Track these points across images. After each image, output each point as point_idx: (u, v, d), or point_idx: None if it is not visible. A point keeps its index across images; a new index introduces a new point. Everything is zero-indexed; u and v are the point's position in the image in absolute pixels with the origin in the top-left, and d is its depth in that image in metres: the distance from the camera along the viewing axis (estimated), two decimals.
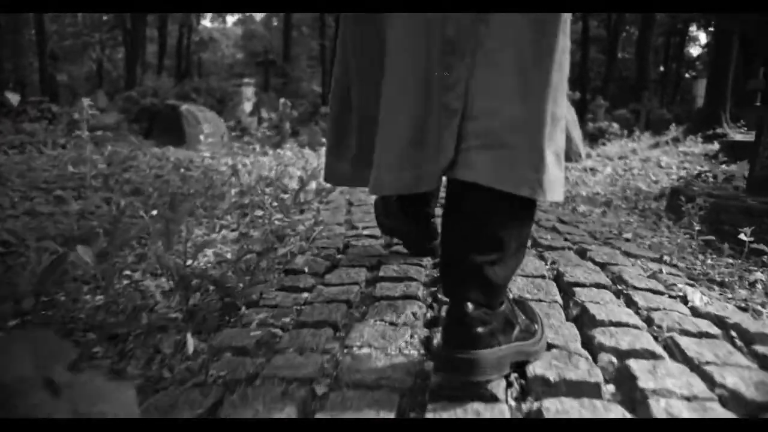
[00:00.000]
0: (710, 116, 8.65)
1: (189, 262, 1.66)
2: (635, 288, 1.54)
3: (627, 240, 2.35)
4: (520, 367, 1.01)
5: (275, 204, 2.86)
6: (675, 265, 1.96)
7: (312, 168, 4.59)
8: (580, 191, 4.52)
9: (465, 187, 0.99)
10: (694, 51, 37.01)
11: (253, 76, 18.16)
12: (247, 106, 15.93)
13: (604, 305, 1.37)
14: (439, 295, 1.44)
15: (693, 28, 31.52)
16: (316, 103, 17.75)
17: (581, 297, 1.43)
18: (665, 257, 2.04)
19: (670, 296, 1.51)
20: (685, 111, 16.03)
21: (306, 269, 1.71)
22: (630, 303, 1.44)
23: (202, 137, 8.81)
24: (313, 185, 3.71)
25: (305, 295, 1.49)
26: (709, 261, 2.12)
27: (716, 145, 7.17)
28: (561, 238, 2.23)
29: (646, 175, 5.52)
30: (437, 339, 1.15)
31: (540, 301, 1.42)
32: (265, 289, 1.52)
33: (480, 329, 0.92)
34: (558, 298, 1.46)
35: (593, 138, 10.16)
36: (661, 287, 1.57)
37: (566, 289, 1.54)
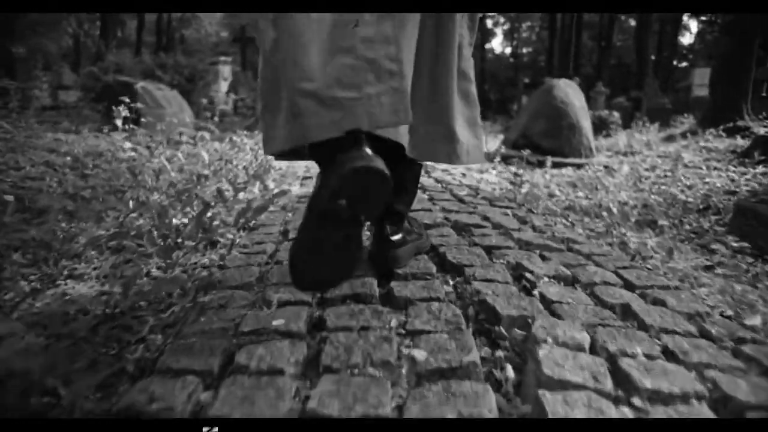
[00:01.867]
0: (725, 107, 7.62)
1: None
2: None
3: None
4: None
5: (164, 237, 1.78)
6: None
7: (260, 162, 3.51)
8: (603, 198, 3.48)
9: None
10: (684, 40, 36.09)
11: (232, 55, 16.91)
12: (223, 86, 14.69)
13: None
14: None
15: (685, 17, 30.58)
16: None
17: None
18: None
19: None
20: (681, 100, 15.06)
21: None
22: None
23: (161, 120, 7.67)
24: (248, 194, 2.64)
25: None
26: None
27: (740, 140, 6.16)
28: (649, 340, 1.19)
29: (675, 177, 4.48)
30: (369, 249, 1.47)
31: None
32: None
33: (394, 237, 1.42)
34: None
35: (595, 129, 9.10)
36: None
37: None
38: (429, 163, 3.75)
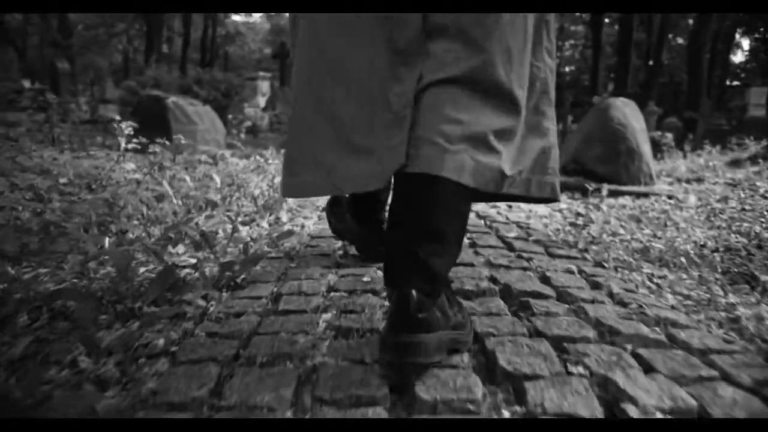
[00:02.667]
0: None
1: None
2: None
3: None
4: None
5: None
6: None
7: (277, 186, 3.07)
8: (677, 240, 2.89)
9: (411, 182, 1.01)
10: (736, 58, 34.56)
11: (273, 71, 16.78)
12: (261, 102, 14.50)
13: None
14: None
15: (737, 34, 29.24)
16: None
17: None
18: None
19: None
20: (733, 120, 14.07)
21: None
22: None
23: (192, 136, 7.39)
24: (253, 229, 2.19)
25: None
26: None
27: None
28: None
29: (757, 211, 3.82)
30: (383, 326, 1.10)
31: None
32: None
33: (422, 315, 0.95)
34: None
35: None
36: None
37: None
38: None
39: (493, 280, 1.57)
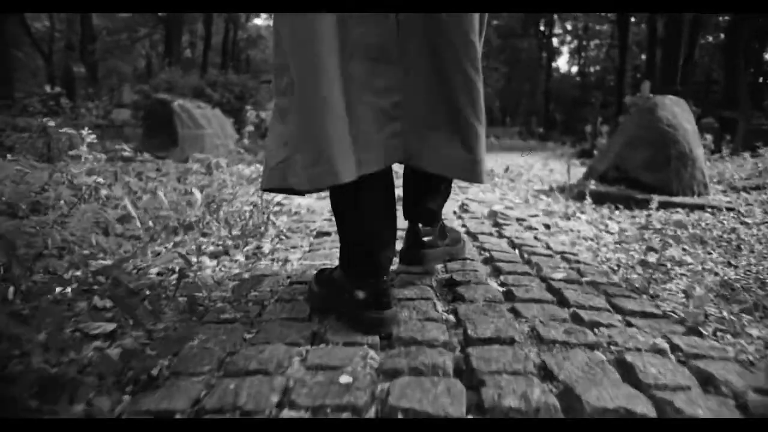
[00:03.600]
0: None
1: None
2: None
3: None
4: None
5: None
6: None
7: (267, 204, 2.52)
8: (755, 266, 2.27)
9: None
10: None
11: None
12: None
13: None
14: None
15: None
16: None
17: None
18: None
19: None
20: None
21: None
22: None
23: (199, 141, 6.92)
24: (223, 264, 1.65)
25: None
26: None
27: None
28: None
29: None
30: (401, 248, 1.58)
31: None
32: None
33: (426, 238, 1.55)
34: None
35: None
36: None
37: None
38: (502, 219, 2.59)
39: (547, 375, 0.99)
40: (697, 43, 22.89)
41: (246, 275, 1.69)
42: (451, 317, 1.29)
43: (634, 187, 4.06)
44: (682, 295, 1.77)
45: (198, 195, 2.64)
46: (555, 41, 35.01)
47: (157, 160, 5.14)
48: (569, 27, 35.99)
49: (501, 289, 1.53)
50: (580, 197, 4.01)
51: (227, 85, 9.68)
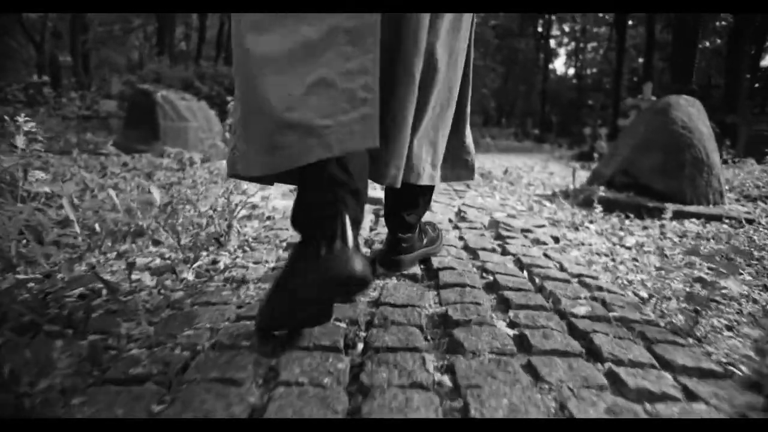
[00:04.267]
0: None
1: None
2: None
3: None
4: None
5: None
6: None
7: (238, 204, 2.15)
8: None
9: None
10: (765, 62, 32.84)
11: None
12: None
13: None
14: None
15: None
16: None
17: None
18: None
19: None
20: None
21: None
22: None
23: (182, 135, 6.53)
24: (166, 282, 1.29)
25: None
26: None
27: None
28: None
29: None
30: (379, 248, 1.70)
31: None
32: None
33: (404, 245, 1.60)
34: None
35: None
36: None
37: None
38: (505, 230, 2.24)
39: None
40: (697, 46, 22.60)
41: (188, 302, 1.32)
42: (446, 380, 0.94)
43: (644, 194, 3.72)
44: (729, 333, 1.43)
45: (156, 195, 2.27)
46: (552, 43, 34.73)
47: (128, 155, 4.76)
48: (567, 29, 35.72)
49: (511, 332, 1.17)
50: (586, 204, 3.67)
51: (217, 78, 9.27)
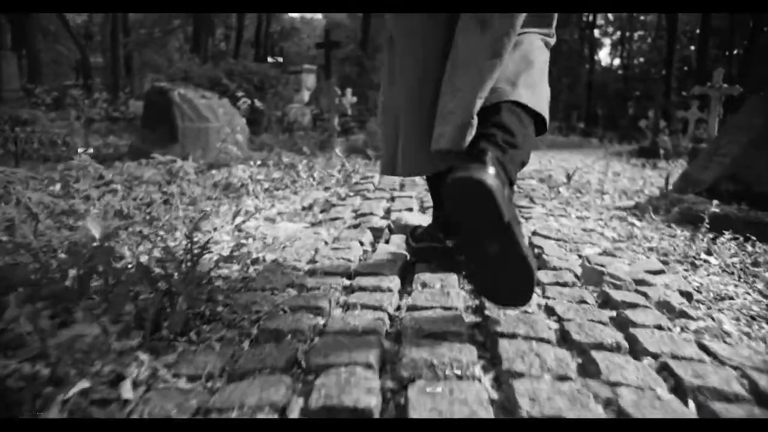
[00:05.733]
0: None
1: None
2: None
3: None
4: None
5: None
6: None
7: (247, 239, 1.39)
8: None
9: None
10: None
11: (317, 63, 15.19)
12: (306, 96, 12.95)
13: None
14: None
15: None
16: None
17: None
18: None
19: None
20: None
21: None
22: None
23: (201, 136, 5.88)
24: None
25: None
26: None
27: None
28: None
29: None
30: None
31: None
32: None
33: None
34: None
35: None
36: None
37: None
38: (610, 283, 1.28)
39: None
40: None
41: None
42: None
43: (758, 206, 2.80)
44: None
45: (95, 230, 1.53)
46: (597, 33, 32.99)
47: (144, 158, 4.10)
48: (611, 17, 33.88)
49: None
50: (685, 221, 2.77)
51: (245, 74, 8.63)
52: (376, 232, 2.06)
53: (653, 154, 8.10)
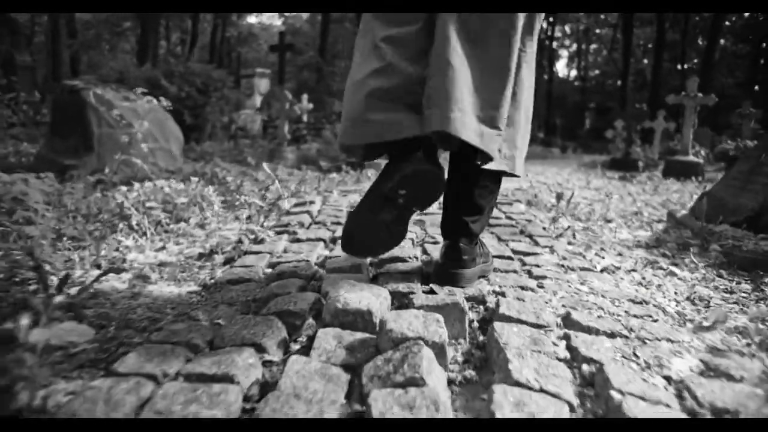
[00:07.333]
0: None
1: None
2: None
3: None
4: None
5: None
6: None
7: None
8: None
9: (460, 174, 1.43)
10: None
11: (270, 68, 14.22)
12: (258, 101, 11.96)
13: None
14: None
15: None
16: None
17: None
18: None
19: None
20: None
21: None
22: None
23: (130, 145, 4.88)
24: None
25: None
26: None
27: None
28: None
29: None
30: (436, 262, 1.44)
31: None
32: None
33: (465, 257, 1.38)
34: None
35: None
36: None
37: None
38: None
39: None
40: (717, 48, 20.75)
41: None
42: None
43: None
44: None
45: None
46: (555, 44, 33.09)
47: (53, 172, 3.12)
48: (568, 30, 34.09)
49: None
50: (734, 263, 2.01)
51: (186, 76, 7.63)
52: (292, 323, 1.15)
53: (629, 166, 7.50)
